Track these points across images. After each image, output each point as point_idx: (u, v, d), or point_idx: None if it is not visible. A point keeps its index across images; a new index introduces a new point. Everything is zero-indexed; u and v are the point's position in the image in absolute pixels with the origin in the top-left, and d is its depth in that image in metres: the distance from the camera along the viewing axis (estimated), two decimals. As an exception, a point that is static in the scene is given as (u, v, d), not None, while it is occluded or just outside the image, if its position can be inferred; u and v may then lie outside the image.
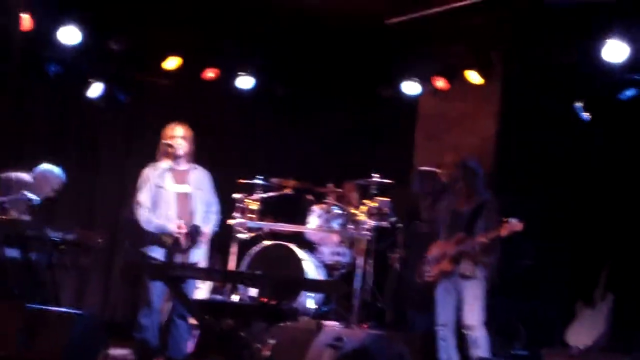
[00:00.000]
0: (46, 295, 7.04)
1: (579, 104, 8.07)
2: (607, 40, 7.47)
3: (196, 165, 7.00)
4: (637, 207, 7.84)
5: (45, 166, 7.83)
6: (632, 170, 7.85)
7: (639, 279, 7.41)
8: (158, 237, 6.73)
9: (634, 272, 7.50)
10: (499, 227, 6.67)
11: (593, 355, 6.96)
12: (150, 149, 7.06)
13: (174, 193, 6.82)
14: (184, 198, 6.86)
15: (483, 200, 6.98)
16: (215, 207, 7.06)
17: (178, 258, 6.62)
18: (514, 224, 6.61)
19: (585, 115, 8.07)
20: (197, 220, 6.83)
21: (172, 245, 6.61)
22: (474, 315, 6.80)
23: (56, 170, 7.85)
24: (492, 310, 6.99)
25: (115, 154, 9.63)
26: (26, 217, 7.37)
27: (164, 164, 6.84)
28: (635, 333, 6.94)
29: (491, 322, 7.04)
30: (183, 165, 6.92)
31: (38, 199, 7.48)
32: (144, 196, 6.74)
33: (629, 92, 7.88)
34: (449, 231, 7.06)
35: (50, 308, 6.47)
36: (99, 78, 9.04)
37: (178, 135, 6.89)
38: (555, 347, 7.42)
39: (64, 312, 6.34)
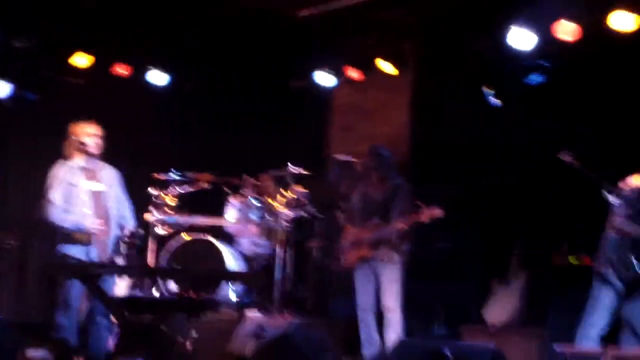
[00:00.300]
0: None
1: (488, 91, 8.21)
2: (514, 28, 7.60)
3: (105, 164, 6.91)
4: (545, 188, 8.04)
5: None
6: (540, 153, 8.02)
7: (549, 255, 7.59)
8: (72, 236, 6.60)
9: (545, 248, 7.70)
10: (418, 213, 6.78)
11: (509, 330, 7.09)
12: (61, 149, 6.93)
13: (87, 191, 6.73)
14: (97, 196, 6.77)
15: (396, 186, 7.08)
16: (128, 206, 6.98)
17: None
18: (434, 211, 6.74)
19: (495, 101, 8.22)
20: (112, 218, 6.74)
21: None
22: (391, 297, 6.91)
23: None
24: (411, 292, 7.10)
25: (25, 154, 9.44)
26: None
27: (76, 161, 6.72)
28: (549, 306, 7.12)
29: (410, 304, 7.13)
30: (94, 163, 6.82)
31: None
32: (56, 194, 6.61)
33: (537, 78, 8.04)
34: (363, 217, 7.13)
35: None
36: (6, 77, 8.82)
37: (91, 133, 6.80)
38: (473, 324, 7.55)
39: (-23, 315, 6.20)
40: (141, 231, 6.96)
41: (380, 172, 7.16)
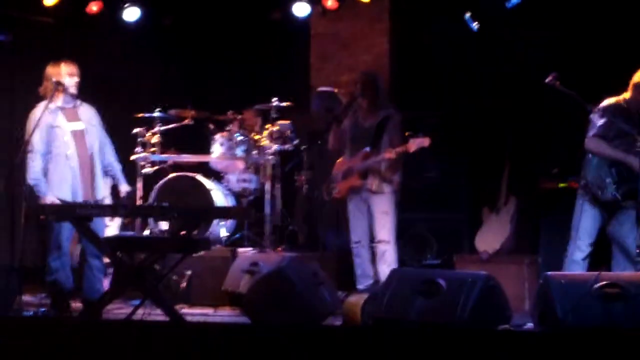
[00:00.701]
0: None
1: (467, 15, 8.16)
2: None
3: (83, 102, 6.83)
4: (531, 112, 8.07)
5: None
6: (521, 75, 8.04)
7: (536, 181, 7.66)
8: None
9: (534, 174, 7.76)
10: (405, 143, 6.72)
11: (501, 258, 7.19)
12: (37, 89, 6.82)
13: (69, 132, 6.65)
14: (80, 135, 6.69)
15: (387, 115, 6.97)
16: (110, 147, 6.93)
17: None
18: (422, 140, 6.66)
19: (474, 25, 8.18)
20: (95, 157, 6.70)
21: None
22: (384, 230, 6.87)
23: None
24: (402, 223, 7.13)
25: (1, 97, 9.29)
26: None
27: (55, 102, 6.64)
28: (540, 233, 7.21)
29: (401, 235, 7.19)
30: (71, 103, 6.74)
31: None
32: (36, 139, 6.52)
33: (514, 0, 8.00)
34: (354, 147, 7.04)
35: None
36: (-24, 19, 8.65)
37: (68, 73, 6.69)
38: (465, 253, 7.66)
39: (-29, 262, 6.21)
40: (130, 188, 6.93)
41: (371, 98, 7.01)
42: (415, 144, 6.67)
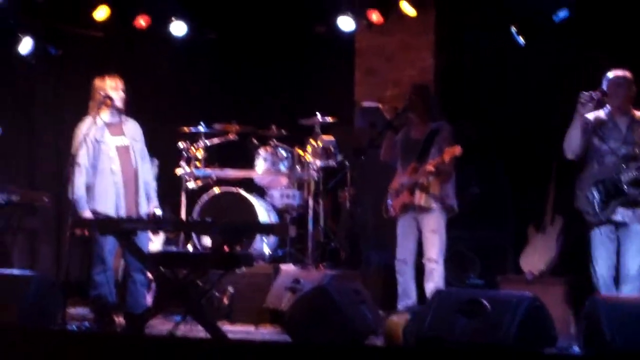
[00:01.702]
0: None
1: (514, 28, 8.09)
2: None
3: (128, 117, 6.88)
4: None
5: None
6: (567, 90, 7.93)
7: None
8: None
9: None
10: (441, 154, 6.63)
11: (546, 279, 7.07)
12: (85, 102, 6.89)
13: (114, 147, 6.71)
14: (125, 151, 6.76)
15: (436, 127, 6.87)
16: (149, 167, 6.97)
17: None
18: (453, 149, 6.55)
19: (521, 39, 8.10)
20: (140, 173, 6.74)
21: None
22: (433, 248, 6.75)
23: None
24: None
25: (50, 110, 9.43)
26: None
27: (102, 117, 6.69)
28: (586, 254, 7.07)
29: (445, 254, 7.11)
30: (117, 118, 6.79)
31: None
32: (82, 153, 6.58)
33: (562, 14, 7.91)
34: (405, 161, 6.94)
35: (2, 271, 6.39)
36: (27, 32, 8.78)
37: (114, 87, 6.75)
38: (509, 274, 7.54)
39: (17, 274, 6.27)
40: (160, 213, 6.89)
41: (424, 110, 6.93)
42: (448, 153, 6.56)
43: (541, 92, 8.26)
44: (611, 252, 6.11)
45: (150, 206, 6.86)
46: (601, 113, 6.26)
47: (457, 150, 6.54)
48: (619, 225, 6.09)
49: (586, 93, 6.15)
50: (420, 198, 6.78)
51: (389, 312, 6.47)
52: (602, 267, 6.08)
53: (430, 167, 6.68)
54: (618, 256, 6.13)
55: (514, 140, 8.25)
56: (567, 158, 6.32)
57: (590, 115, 6.23)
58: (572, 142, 6.22)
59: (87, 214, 6.53)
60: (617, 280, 6.13)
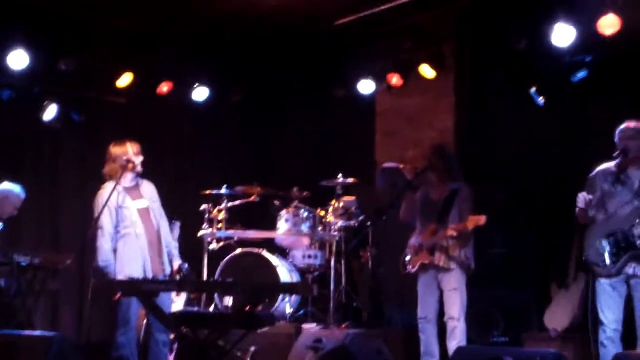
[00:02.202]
0: (19, 320, 6.96)
1: (533, 89, 8.14)
2: (555, 24, 7.56)
3: (143, 179, 6.94)
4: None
5: (4, 186, 7.73)
6: (589, 149, 7.93)
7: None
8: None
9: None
10: (465, 221, 6.63)
11: (571, 336, 6.98)
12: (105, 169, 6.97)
13: (136, 211, 6.75)
14: (146, 213, 6.80)
15: (456, 188, 6.90)
16: (166, 224, 6.97)
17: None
18: (478, 218, 6.54)
19: (540, 99, 8.14)
20: (163, 233, 6.77)
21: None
22: (454, 307, 6.75)
23: (16, 189, 7.76)
24: (469, 300, 6.96)
25: (74, 175, 9.52)
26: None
27: (122, 182, 6.73)
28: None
29: (468, 312, 7.03)
30: (134, 181, 6.86)
31: (1, 225, 7.37)
32: (106, 220, 6.62)
33: (580, 74, 7.96)
34: (424, 221, 6.98)
35: (24, 333, 6.39)
36: (52, 100, 8.93)
37: (135, 152, 6.82)
38: (533, 331, 7.45)
39: (39, 335, 6.26)
40: (186, 266, 6.91)
41: (444, 171, 6.96)
42: (472, 222, 6.56)
43: (562, 151, 8.26)
44: (619, 306, 6.02)
45: (175, 264, 6.87)
46: (612, 165, 6.23)
47: (482, 220, 6.55)
48: (630, 278, 5.99)
49: (581, 198, 6.12)
50: (440, 259, 6.81)
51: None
52: (608, 318, 5.98)
53: (452, 232, 6.70)
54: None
55: (536, 199, 8.23)
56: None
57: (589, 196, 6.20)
58: (580, 220, 6.19)
59: (120, 278, 6.53)
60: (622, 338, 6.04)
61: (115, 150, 6.80)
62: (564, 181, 8.05)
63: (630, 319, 6.03)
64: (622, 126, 6.22)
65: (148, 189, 6.90)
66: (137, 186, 6.84)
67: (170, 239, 6.97)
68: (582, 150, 8.02)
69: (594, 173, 6.30)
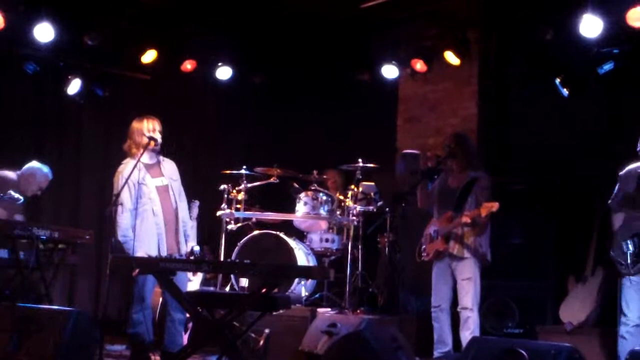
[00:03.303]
0: (37, 294, 7.01)
1: (558, 80, 8.08)
2: (582, 15, 7.49)
3: (165, 158, 6.93)
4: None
5: (33, 164, 7.78)
6: (612, 141, 7.87)
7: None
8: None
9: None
10: (479, 207, 6.61)
11: (586, 330, 6.96)
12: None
13: (154, 188, 6.74)
14: (164, 191, 6.78)
15: (474, 177, 6.86)
16: (184, 197, 6.94)
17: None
18: (491, 204, 6.51)
19: (565, 90, 8.08)
20: (180, 211, 6.79)
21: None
22: (467, 296, 6.73)
23: (44, 168, 7.81)
24: (485, 290, 6.96)
25: (96, 149, 9.59)
26: (18, 217, 7.33)
27: (142, 158, 6.74)
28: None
29: (483, 302, 7.03)
30: (155, 159, 6.84)
31: (22, 198, 7.42)
32: (125, 196, 6.62)
33: (607, 66, 7.89)
34: (441, 208, 6.96)
35: (42, 307, 6.44)
36: (76, 74, 8.97)
37: (158, 129, 6.81)
38: (548, 324, 7.44)
39: (56, 310, 6.30)
40: (197, 249, 6.90)
41: (463, 158, 6.93)
42: (486, 208, 6.53)
43: (585, 143, 8.21)
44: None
45: (188, 244, 6.88)
46: (638, 165, 6.21)
47: (495, 206, 6.51)
48: None
49: None
50: (454, 247, 6.80)
51: (425, 358, 6.41)
52: (632, 311, 5.99)
53: (466, 219, 6.68)
54: None
55: (557, 190, 8.19)
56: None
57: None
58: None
59: (139, 254, 6.55)
60: None
61: (136, 126, 6.78)
62: (585, 173, 8.02)
63: None
64: None
65: (169, 167, 6.89)
66: (158, 163, 6.83)
67: (187, 219, 6.96)
68: (605, 142, 7.97)
69: (623, 172, 6.26)
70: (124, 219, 6.59)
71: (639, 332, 6.00)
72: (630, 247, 5.99)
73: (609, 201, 6.36)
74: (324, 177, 8.61)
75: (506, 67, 8.96)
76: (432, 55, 9.03)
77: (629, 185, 6.19)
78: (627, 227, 6.12)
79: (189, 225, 6.96)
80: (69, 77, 8.93)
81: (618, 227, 6.24)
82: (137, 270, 6.17)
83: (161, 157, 6.89)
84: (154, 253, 6.60)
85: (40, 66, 8.75)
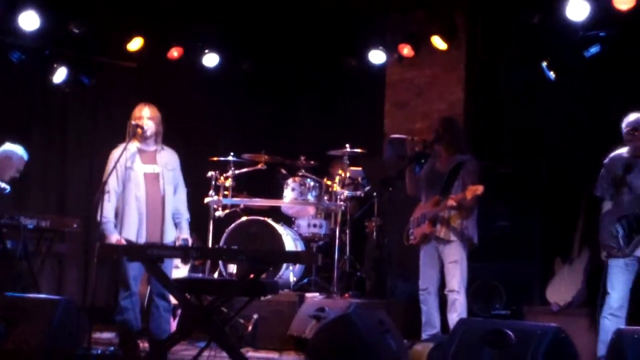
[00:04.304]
0: (24, 283, 6.99)
1: (544, 64, 8.08)
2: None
3: (164, 146, 6.92)
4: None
5: (6, 147, 7.65)
6: (598, 125, 7.89)
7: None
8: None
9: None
10: (464, 191, 6.63)
11: (572, 311, 6.99)
12: (118, 131, 6.98)
13: (142, 173, 6.73)
14: (153, 178, 6.77)
15: (461, 161, 6.87)
16: (183, 197, 6.95)
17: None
18: (476, 187, 6.52)
19: (551, 74, 8.09)
20: (168, 202, 6.77)
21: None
22: (453, 279, 6.75)
23: (19, 150, 7.68)
24: (472, 272, 6.99)
25: (82, 138, 9.58)
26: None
27: (133, 145, 6.75)
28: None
29: (471, 284, 7.06)
30: (151, 146, 6.83)
31: (8, 187, 7.39)
32: (112, 179, 6.64)
33: (593, 49, 7.89)
34: (429, 192, 6.96)
35: (29, 295, 6.43)
36: (62, 62, 8.93)
37: (145, 116, 6.78)
38: (535, 305, 7.48)
39: (44, 298, 6.30)
40: (190, 240, 6.89)
41: (451, 142, 6.93)
42: (470, 191, 6.54)
43: (571, 126, 8.23)
44: (628, 284, 6.06)
45: (181, 236, 6.84)
46: (624, 151, 6.23)
47: (480, 189, 6.51)
48: None
49: None
50: (441, 230, 6.81)
51: (413, 341, 6.43)
52: (617, 292, 6.01)
53: (452, 203, 6.69)
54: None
55: (543, 174, 8.21)
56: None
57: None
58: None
59: (114, 237, 6.57)
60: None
61: (132, 112, 6.80)
62: (571, 156, 8.04)
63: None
64: (632, 117, 6.23)
65: (165, 156, 6.86)
66: (154, 151, 6.82)
67: (183, 211, 6.91)
68: (592, 126, 7.99)
69: (608, 159, 6.29)
70: (107, 201, 6.59)
71: (623, 314, 6.02)
72: (620, 229, 6.02)
73: (594, 191, 6.39)
74: (314, 162, 8.61)
75: (493, 51, 8.95)
76: (419, 40, 9.02)
77: (617, 170, 6.21)
78: (614, 211, 6.15)
79: (183, 217, 6.90)
80: (55, 65, 8.87)
81: (604, 212, 6.27)
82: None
83: (160, 146, 6.86)
84: (133, 238, 6.61)
85: (26, 55, 8.70)
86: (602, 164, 6.39)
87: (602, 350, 6.00)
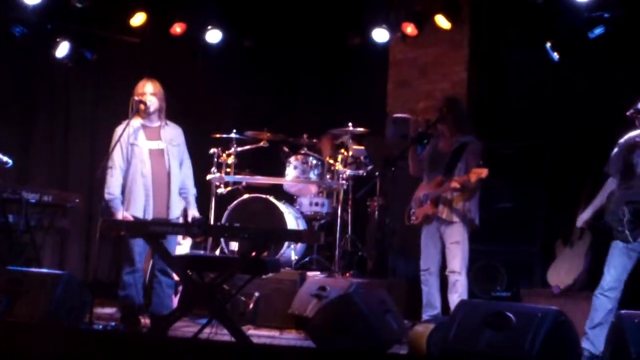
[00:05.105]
0: (27, 257, 7.01)
1: (548, 44, 8.06)
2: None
3: (168, 122, 6.90)
4: (611, 144, 7.88)
5: None
6: (602, 106, 7.88)
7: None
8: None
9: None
10: (468, 173, 6.59)
11: (573, 294, 7.01)
12: (120, 107, 6.95)
13: (147, 150, 6.72)
14: (158, 154, 6.75)
15: (465, 141, 6.83)
16: (189, 172, 6.95)
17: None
18: (480, 170, 6.47)
19: (555, 55, 8.07)
20: (173, 177, 6.77)
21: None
22: (455, 260, 6.73)
23: None
24: (473, 253, 6.96)
25: (85, 113, 9.56)
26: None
27: (136, 121, 6.73)
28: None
29: (472, 265, 7.06)
30: (155, 122, 6.81)
31: (10, 161, 7.38)
32: (117, 155, 6.64)
33: (598, 30, 7.87)
34: (431, 172, 6.94)
35: (31, 270, 6.45)
36: (64, 37, 8.90)
37: (148, 92, 6.74)
38: (536, 287, 7.49)
39: (46, 273, 6.33)
40: (201, 219, 6.85)
41: (454, 122, 6.88)
42: (475, 174, 6.49)
43: (575, 107, 8.22)
44: (627, 268, 6.03)
45: (190, 212, 6.84)
46: (636, 134, 6.19)
47: (484, 172, 6.47)
48: None
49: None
50: (443, 211, 6.78)
51: (414, 321, 6.46)
52: (611, 274, 6.02)
53: (455, 184, 6.65)
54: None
55: (546, 155, 8.20)
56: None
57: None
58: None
59: (121, 214, 6.58)
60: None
61: (135, 88, 6.77)
62: (575, 137, 8.03)
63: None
64: None
65: (170, 132, 6.83)
66: (158, 127, 6.80)
67: (190, 186, 6.90)
68: (595, 107, 7.98)
69: (624, 139, 6.25)
70: (112, 177, 6.58)
71: (612, 295, 6.02)
72: (627, 213, 6.01)
73: (605, 167, 6.33)
74: (317, 140, 8.60)
75: (497, 31, 8.92)
76: (423, 19, 8.98)
77: (632, 154, 6.17)
78: (623, 195, 6.12)
79: (191, 193, 6.90)
80: (57, 39, 8.85)
81: (612, 193, 6.23)
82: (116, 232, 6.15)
83: (164, 122, 6.84)
84: (140, 215, 6.60)
85: (28, 29, 8.67)
86: (617, 143, 6.32)
87: (588, 324, 6.01)
